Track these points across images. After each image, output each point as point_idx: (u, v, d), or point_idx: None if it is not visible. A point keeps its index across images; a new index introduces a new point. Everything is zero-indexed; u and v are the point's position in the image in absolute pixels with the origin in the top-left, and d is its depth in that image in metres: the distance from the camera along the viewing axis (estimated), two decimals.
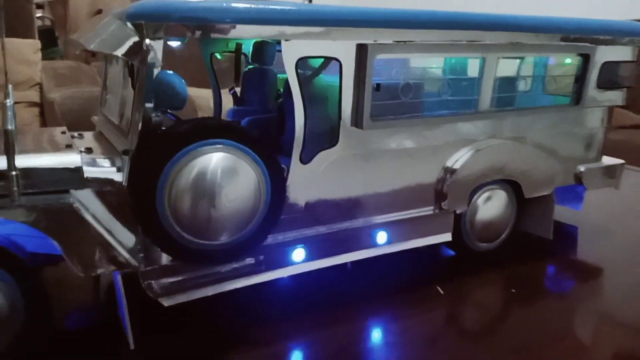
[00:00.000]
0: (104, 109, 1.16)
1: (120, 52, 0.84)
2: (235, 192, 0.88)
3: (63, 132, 1.08)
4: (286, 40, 0.92)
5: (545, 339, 0.98)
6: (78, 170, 0.86)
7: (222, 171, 0.86)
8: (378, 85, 1.03)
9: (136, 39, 0.83)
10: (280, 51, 1.35)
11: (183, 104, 0.89)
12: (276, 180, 0.92)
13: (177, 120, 0.93)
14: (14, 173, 0.79)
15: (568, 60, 1.34)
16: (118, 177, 0.89)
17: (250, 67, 1.42)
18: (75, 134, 1.08)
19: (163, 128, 0.86)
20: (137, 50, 0.83)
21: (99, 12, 2.54)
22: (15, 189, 0.79)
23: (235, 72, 1.43)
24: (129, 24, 0.83)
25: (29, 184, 0.81)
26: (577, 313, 1.11)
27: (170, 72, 0.90)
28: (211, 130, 0.86)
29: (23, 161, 0.81)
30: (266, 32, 0.91)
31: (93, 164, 0.89)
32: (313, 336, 0.96)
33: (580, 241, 1.46)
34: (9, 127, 0.78)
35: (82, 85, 2.15)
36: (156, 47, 0.83)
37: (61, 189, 0.84)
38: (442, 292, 1.14)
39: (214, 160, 0.85)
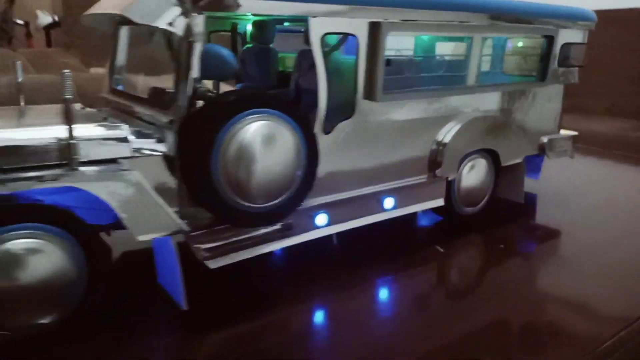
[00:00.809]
0: (117, 85, 1.17)
1: (164, 24, 0.88)
2: (280, 157, 0.94)
3: (82, 107, 1.09)
4: (313, 17, 0.99)
5: (513, 287, 1.11)
6: (125, 140, 0.89)
7: (269, 138, 0.92)
8: (388, 60, 1.12)
9: (181, 11, 0.87)
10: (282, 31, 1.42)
11: (233, 74, 0.94)
12: (311, 147, 1.00)
13: (226, 91, 0.97)
14: (73, 142, 0.81)
15: (520, 44, 1.50)
16: (160, 147, 0.93)
17: (248, 46, 1.47)
18: (94, 109, 1.10)
19: (211, 98, 0.90)
20: (182, 23, 0.87)
21: None
22: (75, 157, 0.81)
23: (233, 51, 1.47)
24: None
25: (84, 153, 0.84)
26: (540, 269, 1.23)
27: (217, 45, 0.95)
28: (258, 99, 0.92)
29: (77, 131, 0.83)
30: (297, 9, 0.98)
31: (137, 134, 0.92)
32: (333, 295, 1.04)
33: (540, 208, 1.62)
34: (68, 96, 0.80)
35: None
36: (200, 20, 0.88)
37: (112, 158, 0.87)
38: (442, 250, 1.26)
39: (262, 127, 0.91)
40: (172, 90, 0.92)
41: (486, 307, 1.01)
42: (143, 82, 1.06)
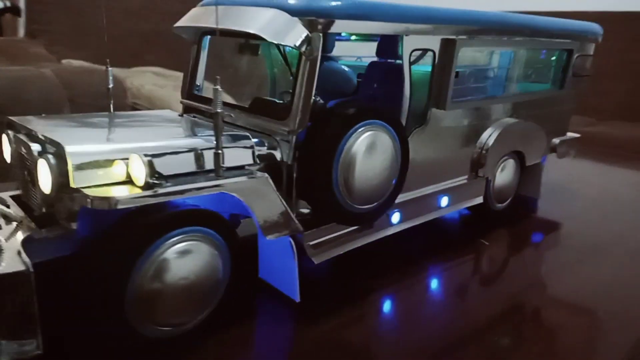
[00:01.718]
0: (197, 91, 1.23)
1: (287, 42, 0.95)
2: (386, 163, 1.04)
3: (180, 115, 1.14)
4: (406, 35, 1.09)
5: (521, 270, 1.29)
6: (252, 148, 0.96)
7: (379, 145, 1.02)
8: (457, 73, 1.23)
9: (305, 31, 0.95)
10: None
11: (353, 90, 1.02)
12: (405, 154, 1.10)
13: (343, 103, 1.05)
14: (220, 152, 0.88)
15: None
16: (278, 154, 1.01)
17: None
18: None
19: (331, 110, 0.99)
20: (306, 42, 0.95)
21: None
22: (221, 165, 0.88)
23: None
24: (298, 18, 0.95)
25: (227, 161, 0.90)
26: (546, 259, 1.40)
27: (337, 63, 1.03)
28: (371, 112, 1.01)
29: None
30: (398, 28, 1.08)
31: (258, 143, 0.99)
32: (397, 286, 1.16)
33: (543, 205, 1.79)
34: (218, 110, 0.87)
35: None
36: (321, 40, 0.96)
37: (240, 165, 0.95)
38: (487, 243, 1.40)
39: (373, 136, 1.01)
40: (288, 103, 0.99)
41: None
42: (248, 93, 1.13)
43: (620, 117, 3.26)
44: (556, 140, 1.69)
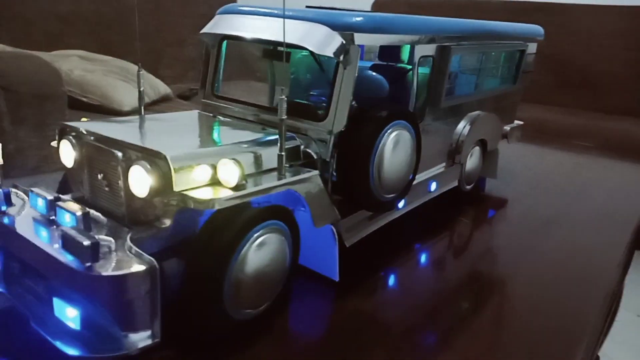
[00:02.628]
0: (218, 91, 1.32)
1: (328, 52, 1.08)
2: (408, 157, 1.21)
3: (214, 116, 1.24)
4: (415, 44, 1.25)
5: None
6: (299, 147, 1.09)
7: (403, 142, 1.18)
8: (450, 75, 1.41)
9: (344, 43, 1.08)
10: None
11: (385, 94, 1.17)
12: (418, 149, 1.27)
13: (376, 106, 1.19)
14: (283, 153, 1.00)
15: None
16: (312, 152, 1.14)
17: None
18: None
19: (368, 112, 1.13)
20: (343, 52, 1.09)
21: None
22: (285, 165, 1.00)
23: None
24: (338, 32, 1.08)
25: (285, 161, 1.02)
26: (505, 231, 1.65)
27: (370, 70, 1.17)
28: (399, 113, 1.17)
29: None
30: (410, 39, 1.23)
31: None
32: (397, 262, 1.34)
33: (492, 184, 2.03)
34: (283, 117, 0.98)
35: None
36: (357, 50, 1.10)
37: (290, 163, 1.07)
38: (466, 221, 1.61)
39: (399, 135, 1.17)
40: (326, 106, 1.12)
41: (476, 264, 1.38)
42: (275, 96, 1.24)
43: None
44: (507, 128, 1.94)
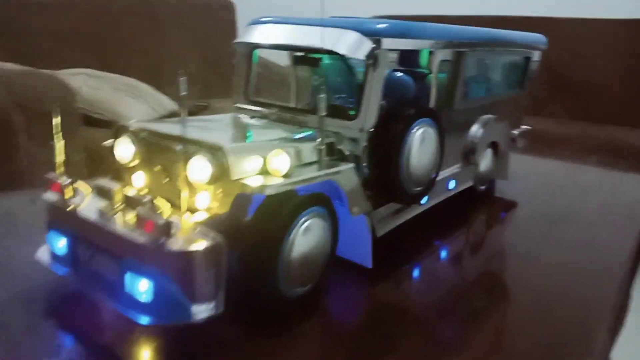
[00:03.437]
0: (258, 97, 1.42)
1: (359, 56, 1.18)
2: (433, 152, 1.30)
3: (250, 118, 1.33)
4: (435, 49, 1.36)
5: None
6: (333, 144, 1.18)
7: (429, 138, 1.27)
8: (464, 78, 1.51)
9: (373, 47, 1.18)
10: None
11: (412, 95, 1.26)
12: (442, 145, 1.36)
13: (403, 105, 1.28)
14: (323, 147, 1.09)
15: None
16: (344, 148, 1.23)
17: None
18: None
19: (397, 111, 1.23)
20: (372, 55, 1.18)
21: None
22: (324, 158, 1.09)
23: None
24: (367, 37, 1.18)
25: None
26: (518, 229, 1.74)
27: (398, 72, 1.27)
28: (425, 111, 1.26)
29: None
30: (429, 44, 1.33)
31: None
32: (421, 255, 1.42)
33: (501, 187, 2.13)
34: (324, 114, 1.07)
35: None
36: (385, 54, 1.20)
37: (327, 158, 1.16)
38: (482, 217, 1.70)
39: (426, 131, 1.26)
40: (358, 106, 1.22)
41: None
42: (307, 98, 1.33)
43: None
44: (515, 132, 2.04)
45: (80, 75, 4.12)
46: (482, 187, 1.86)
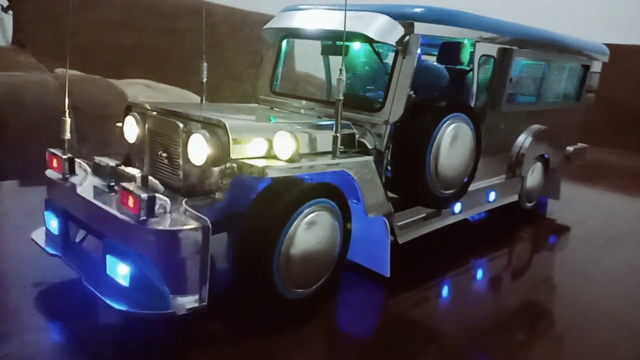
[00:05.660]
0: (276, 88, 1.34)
1: (390, 40, 1.08)
2: (467, 152, 1.17)
3: (271, 108, 1.25)
4: (477, 41, 1.24)
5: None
6: (354, 135, 1.08)
7: (462, 136, 1.15)
8: (511, 79, 1.38)
9: (405, 32, 1.08)
10: None
11: (444, 85, 1.15)
12: (478, 145, 1.23)
13: (433, 97, 1.18)
14: (338, 135, 0.98)
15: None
16: (368, 142, 1.12)
17: None
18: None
19: (425, 103, 1.12)
20: (403, 41, 1.08)
21: None
22: (339, 147, 0.99)
23: None
24: (399, 21, 1.08)
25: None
26: (571, 249, 1.57)
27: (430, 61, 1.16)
28: (458, 105, 1.14)
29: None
30: (469, 34, 1.22)
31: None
32: (452, 272, 1.27)
33: (551, 208, 1.95)
34: (341, 97, 0.97)
35: None
36: (418, 40, 1.09)
37: (346, 150, 1.06)
38: (526, 236, 1.54)
39: (459, 127, 1.14)
40: (384, 96, 1.11)
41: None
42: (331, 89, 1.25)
43: None
44: (570, 149, 1.87)
45: (138, 85, 4.22)
46: (529, 205, 1.70)
